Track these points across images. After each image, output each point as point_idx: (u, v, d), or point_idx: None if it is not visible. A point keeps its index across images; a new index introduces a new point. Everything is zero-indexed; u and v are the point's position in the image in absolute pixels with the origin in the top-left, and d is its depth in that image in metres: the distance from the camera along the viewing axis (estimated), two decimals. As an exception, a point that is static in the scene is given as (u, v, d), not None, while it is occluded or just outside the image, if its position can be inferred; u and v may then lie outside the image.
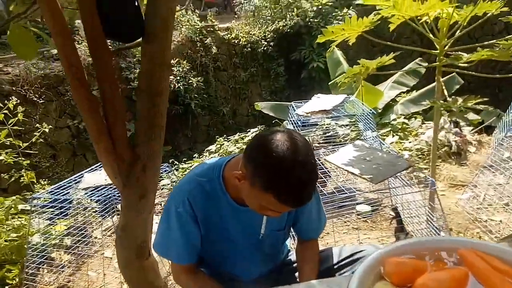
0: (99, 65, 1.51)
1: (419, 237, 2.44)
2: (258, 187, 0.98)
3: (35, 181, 3.42)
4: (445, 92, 2.58)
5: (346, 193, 2.31)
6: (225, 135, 5.84)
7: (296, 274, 1.32)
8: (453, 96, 2.44)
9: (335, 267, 1.25)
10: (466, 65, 2.29)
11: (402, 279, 0.63)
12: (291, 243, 1.49)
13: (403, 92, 5.79)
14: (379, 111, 5.49)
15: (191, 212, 1.14)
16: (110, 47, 1.58)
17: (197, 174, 1.19)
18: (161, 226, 1.21)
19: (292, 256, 1.42)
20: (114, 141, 1.49)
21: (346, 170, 2.39)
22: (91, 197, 2.83)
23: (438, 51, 2.59)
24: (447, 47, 2.48)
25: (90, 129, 1.47)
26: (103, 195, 2.70)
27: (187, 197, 1.14)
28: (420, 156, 4.13)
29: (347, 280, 0.62)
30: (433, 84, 5.30)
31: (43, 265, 2.86)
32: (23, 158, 3.32)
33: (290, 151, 0.94)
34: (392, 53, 2.40)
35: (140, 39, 1.57)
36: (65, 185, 2.83)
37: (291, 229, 1.36)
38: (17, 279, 2.79)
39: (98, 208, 3.31)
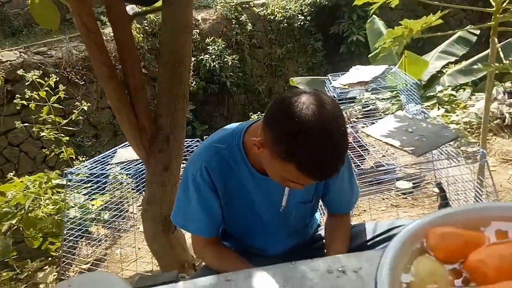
0: (117, 31, 1.44)
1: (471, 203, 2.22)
2: (278, 157, 0.86)
3: (74, 157, 3.52)
4: (501, 55, 2.30)
5: (385, 168, 2.14)
6: (260, 113, 5.74)
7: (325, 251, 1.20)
8: (510, 59, 2.16)
9: (368, 243, 1.12)
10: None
11: (451, 254, 0.50)
12: (321, 217, 1.37)
13: (451, 63, 5.36)
14: (423, 83, 5.12)
15: (209, 181, 1.05)
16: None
17: (215, 140, 1.08)
18: (178, 195, 1.13)
19: (322, 231, 1.31)
20: (135, 111, 1.43)
21: (385, 142, 2.20)
22: (124, 171, 2.85)
23: (493, 9, 2.30)
24: (505, 3, 2.19)
25: (111, 98, 1.41)
26: (136, 170, 2.70)
27: (204, 165, 1.04)
28: (468, 130, 3.80)
29: (380, 254, 0.49)
30: (486, 52, 4.85)
31: (81, 239, 2.95)
32: (63, 135, 3.40)
33: (315, 115, 0.81)
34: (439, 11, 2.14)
35: (160, 2, 1.48)
36: (99, 160, 2.87)
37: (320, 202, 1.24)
38: (60, 251, 2.90)
39: (134, 183, 3.36)
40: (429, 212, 2.66)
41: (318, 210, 1.29)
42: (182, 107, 1.51)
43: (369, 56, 5.63)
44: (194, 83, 7.37)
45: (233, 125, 1.12)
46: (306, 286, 0.61)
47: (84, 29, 1.39)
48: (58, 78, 3.51)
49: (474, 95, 4.38)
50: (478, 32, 5.10)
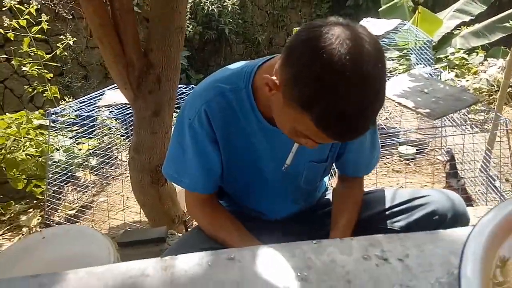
0: None
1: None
2: (293, 103, 0.67)
3: (60, 97, 3.29)
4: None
5: (393, 129, 1.98)
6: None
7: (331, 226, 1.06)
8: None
9: (387, 213, 0.98)
10: None
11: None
12: (330, 180, 1.20)
13: (464, 24, 5.05)
14: (434, 44, 4.86)
15: (208, 128, 0.87)
16: None
17: (219, 79, 0.88)
18: (171, 143, 0.95)
19: (330, 196, 1.15)
20: (122, 40, 1.21)
21: (398, 102, 2.02)
22: (112, 115, 2.65)
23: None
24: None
25: (91, 22, 1.19)
26: (124, 114, 2.51)
27: (204, 108, 0.85)
28: (478, 96, 3.63)
29: (430, 237, 0.33)
30: (505, 13, 4.55)
31: (67, 184, 2.81)
32: (46, 71, 3.14)
33: (350, 55, 0.61)
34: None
35: None
36: (85, 101, 2.66)
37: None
38: (45, 195, 2.77)
39: (124, 129, 3.17)
40: (432, 180, 2.55)
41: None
42: (177, 41, 1.29)
43: (379, 9, 5.28)
44: (190, 27, 6.96)
45: (241, 63, 0.92)
46: (336, 274, 0.46)
47: None
48: (40, 8, 3.18)
49: (487, 60, 4.16)
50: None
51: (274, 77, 0.72)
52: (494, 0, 5.05)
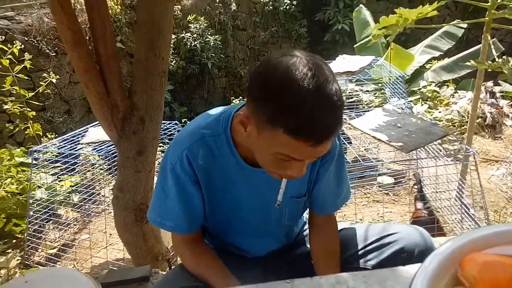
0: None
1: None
2: (265, 125, 0.73)
3: (42, 134, 3.29)
4: (494, 52, 2.25)
5: (371, 161, 2.07)
6: (241, 98, 5.58)
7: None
8: (504, 56, 2.11)
9: (359, 253, 1.01)
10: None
11: (494, 289, 0.41)
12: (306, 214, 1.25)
13: (434, 59, 5.35)
14: (407, 77, 5.10)
15: (190, 171, 0.92)
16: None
17: (200, 126, 0.95)
18: (155, 190, 0.99)
19: (307, 231, 1.19)
20: (106, 84, 1.27)
21: (373, 136, 2.13)
22: (95, 153, 2.67)
23: (489, 4, 2.24)
24: (500, -1, 2.13)
25: (77, 67, 1.24)
26: (108, 152, 2.53)
27: (186, 152, 0.90)
28: (450, 127, 3.80)
29: (391, 274, 0.39)
30: (471, 50, 4.85)
31: (48, 222, 2.76)
32: (29, 109, 3.16)
33: (304, 71, 0.69)
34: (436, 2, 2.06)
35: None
36: (68, 139, 2.67)
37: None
38: (25, 234, 2.71)
39: (107, 165, 3.17)
40: (410, 209, 2.63)
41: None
42: (160, 84, 1.35)
43: (354, 46, 5.55)
44: (173, 62, 7.10)
45: (219, 109, 0.99)
46: (306, 311, 0.51)
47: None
48: (24, 46, 3.23)
49: (457, 92, 4.39)
50: (465, 26, 5.11)
51: (244, 113, 0.79)
52: (461, 37, 5.39)
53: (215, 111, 0.98)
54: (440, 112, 4.03)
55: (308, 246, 1.10)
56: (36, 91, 3.22)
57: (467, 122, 3.77)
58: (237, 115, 0.88)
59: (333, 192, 1.05)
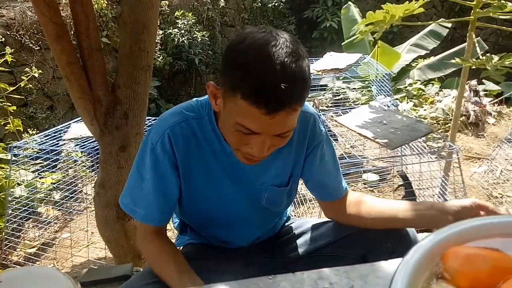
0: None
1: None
2: (227, 93, 0.75)
3: (23, 130, 3.20)
4: (478, 50, 2.27)
5: (357, 158, 2.07)
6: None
7: (293, 245, 1.08)
8: (488, 54, 2.13)
9: (334, 244, 1.03)
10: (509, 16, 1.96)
11: (477, 283, 0.40)
12: (291, 210, 1.24)
13: (420, 57, 5.42)
14: (393, 75, 5.15)
15: (171, 153, 0.89)
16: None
17: (184, 107, 0.93)
18: (131, 173, 0.95)
19: (293, 225, 1.18)
20: (89, 77, 1.23)
21: (358, 133, 2.13)
22: (78, 149, 2.61)
23: (474, 2, 2.25)
24: (485, -3, 2.14)
25: (59, 61, 1.21)
26: (91, 148, 2.48)
27: (168, 132, 0.88)
28: (434, 125, 3.85)
29: (373, 268, 0.38)
30: (457, 48, 4.92)
31: (27, 220, 2.69)
32: (9, 104, 3.07)
33: (261, 37, 0.73)
34: None
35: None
36: (50, 135, 2.61)
37: (315, 197, 1.11)
38: (3, 233, 2.63)
39: (89, 162, 3.11)
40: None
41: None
42: (144, 79, 1.32)
43: (342, 44, 5.57)
44: (160, 58, 7.02)
45: (205, 97, 0.97)
46: (287, 308, 0.50)
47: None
48: (5, 40, 3.15)
49: (442, 90, 4.45)
50: (449, 25, 5.17)
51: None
52: (446, 36, 5.46)
53: (203, 97, 0.96)
54: (425, 110, 4.08)
55: (291, 235, 1.10)
56: (17, 85, 3.13)
57: (451, 120, 3.83)
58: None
59: (335, 177, 1.05)
